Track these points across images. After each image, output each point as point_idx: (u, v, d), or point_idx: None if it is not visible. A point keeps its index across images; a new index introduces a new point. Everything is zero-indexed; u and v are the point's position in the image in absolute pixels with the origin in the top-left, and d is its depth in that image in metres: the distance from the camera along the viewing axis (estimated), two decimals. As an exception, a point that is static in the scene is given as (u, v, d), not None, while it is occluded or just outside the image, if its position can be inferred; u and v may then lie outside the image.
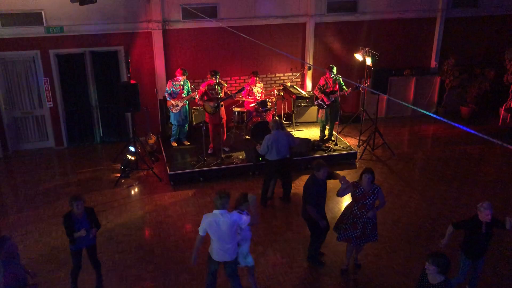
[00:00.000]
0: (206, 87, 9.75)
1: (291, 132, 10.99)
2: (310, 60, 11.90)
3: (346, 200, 8.04)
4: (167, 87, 10.17)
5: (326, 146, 10.43)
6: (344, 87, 10.29)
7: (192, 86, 10.27)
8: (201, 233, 5.63)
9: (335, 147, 10.44)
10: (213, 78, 9.59)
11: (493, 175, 9.85)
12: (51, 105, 10.86)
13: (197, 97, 9.84)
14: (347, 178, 6.34)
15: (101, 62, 10.85)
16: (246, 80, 11.52)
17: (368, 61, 10.45)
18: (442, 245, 6.04)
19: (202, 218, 5.59)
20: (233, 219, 5.45)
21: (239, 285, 5.93)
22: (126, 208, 8.61)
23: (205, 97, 9.74)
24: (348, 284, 6.66)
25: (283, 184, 8.66)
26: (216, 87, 9.56)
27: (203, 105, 9.87)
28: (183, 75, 9.98)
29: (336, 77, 10.13)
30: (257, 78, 10.58)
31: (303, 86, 12.30)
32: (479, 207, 5.67)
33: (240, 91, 10.15)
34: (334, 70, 10.14)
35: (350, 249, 6.69)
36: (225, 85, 10.02)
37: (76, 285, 6.34)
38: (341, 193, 6.30)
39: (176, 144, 10.63)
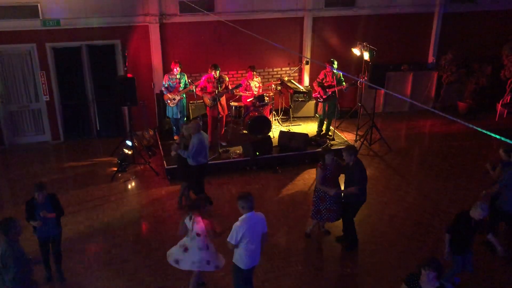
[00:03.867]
0: (206, 80, 9.75)
1: (290, 128, 11.08)
2: (307, 54, 11.88)
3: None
4: (163, 81, 10.15)
5: (324, 141, 10.43)
6: (343, 82, 10.28)
7: (189, 80, 10.24)
8: (234, 242, 5.29)
9: (332, 142, 10.44)
10: (213, 72, 9.58)
11: (489, 170, 9.88)
12: (48, 99, 10.80)
13: (196, 89, 9.82)
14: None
15: (98, 55, 10.80)
16: (243, 75, 11.49)
17: (366, 56, 10.43)
18: (447, 255, 5.94)
19: (234, 227, 5.26)
20: (263, 219, 5.42)
21: None
22: (123, 202, 8.60)
23: (205, 90, 9.76)
24: (345, 279, 6.68)
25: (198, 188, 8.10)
26: (214, 80, 9.55)
27: (202, 97, 9.87)
28: (178, 67, 9.97)
29: (336, 72, 10.12)
30: (255, 72, 10.57)
31: (300, 80, 12.28)
32: (477, 205, 5.67)
33: (237, 87, 10.14)
34: (335, 64, 10.12)
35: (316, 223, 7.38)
36: (227, 79, 9.99)
37: (49, 268, 6.46)
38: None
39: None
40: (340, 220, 7.22)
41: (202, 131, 7.69)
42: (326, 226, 7.58)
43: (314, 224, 7.40)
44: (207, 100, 9.76)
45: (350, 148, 6.78)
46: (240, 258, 5.43)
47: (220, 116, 9.75)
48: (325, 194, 6.88)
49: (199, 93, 9.83)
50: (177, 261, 5.84)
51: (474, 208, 5.68)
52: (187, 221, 5.65)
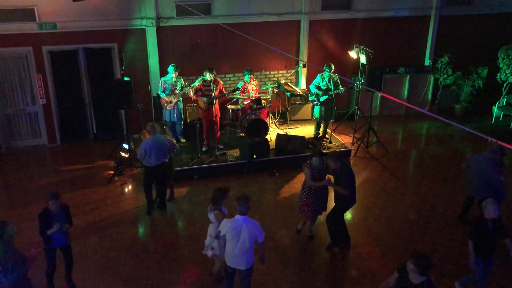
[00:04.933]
0: (201, 83, 9.74)
1: (287, 131, 11.09)
2: (304, 57, 11.90)
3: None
4: (160, 85, 10.15)
5: (321, 144, 10.44)
6: (340, 86, 10.30)
7: (186, 83, 10.24)
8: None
9: (329, 145, 10.45)
10: (208, 74, 9.58)
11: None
12: (44, 102, 10.79)
13: (192, 92, 9.83)
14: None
15: (94, 58, 10.79)
16: (240, 77, 11.51)
17: (363, 58, 10.45)
18: (472, 264, 5.95)
19: (223, 222, 5.54)
20: (256, 229, 5.41)
21: None
22: (120, 205, 8.58)
23: (200, 93, 9.75)
24: (342, 281, 6.68)
25: (157, 190, 8.32)
26: (211, 84, 9.56)
27: (197, 100, 9.85)
28: (175, 71, 9.96)
29: (332, 75, 10.14)
30: (252, 75, 10.58)
31: (297, 83, 12.30)
32: (483, 205, 5.73)
33: (234, 90, 10.14)
34: (332, 68, 10.14)
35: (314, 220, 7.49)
36: (221, 82, 10.00)
37: (52, 285, 6.28)
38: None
39: (175, 141, 10.61)
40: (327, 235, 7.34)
41: (157, 135, 7.80)
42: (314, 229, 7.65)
43: (309, 224, 7.51)
44: (202, 103, 9.75)
45: (333, 155, 6.81)
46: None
47: (215, 118, 9.73)
48: (310, 189, 7.06)
49: (194, 97, 9.82)
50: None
51: (484, 209, 5.72)
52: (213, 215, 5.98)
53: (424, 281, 4.61)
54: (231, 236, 5.43)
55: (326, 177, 7.04)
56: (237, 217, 5.40)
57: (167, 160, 8.05)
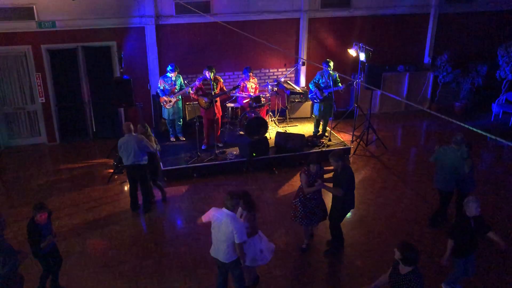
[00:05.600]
0: (202, 81, 9.73)
1: (287, 129, 11.08)
2: (304, 55, 11.90)
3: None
4: (158, 84, 10.12)
5: (320, 142, 10.44)
6: (339, 83, 10.29)
7: (185, 81, 10.23)
8: (204, 220, 5.74)
9: (329, 143, 10.45)
10: (208, 73, 9.57)
11: (485, 171, 9.91)
12: (43, 101, 10.78)
13: (192, 91, 9.82)
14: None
15: (93, 57, 10.78)
16: (239, 76, 11.50)
17: (362, 56, 10.45)
18: (445, 261, 5.97)
19: (211, 208, 5.69)
20: (234, 227, 5.31)
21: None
22: (119, 204, 8.57)
23: (200, 92, 9.73)
24: (341, 279, 6.69)
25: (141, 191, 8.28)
26: (212, 82, 9.55)
27: (198, 100, 9.84)
28: (174, 70, 9.94)
29: (332, 73, 10.14)
30: (251, 73, 10.57)
31: (297, 81, 12.30)
32: (466, 203, 5.73)
33: (234, 88, 10.14)
34: (331, 65, 10.14)
35: (307, 229, 7.17)
36: (221, 80, 10.00)
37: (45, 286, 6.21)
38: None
39: (174, 140, 10.62)
40: (328, 234, 7.20)
41: (130, 135, 7.74)
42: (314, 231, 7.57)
43: (307, 233, 7.24)
44: (203, 102, 9.74)
45: (335, 154, 6.56)
46: None
47: (215, 117, 9.74)
48: (305, 200, 6.75)
49: (195, 97, 9.80)
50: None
51: (466, 207, 5.72)
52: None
53: (410, 271, 4.61)
54: (213, 225, 5.55)
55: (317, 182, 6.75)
56: (224, 209, 5.44)
57: (143, 162, 7.89)
